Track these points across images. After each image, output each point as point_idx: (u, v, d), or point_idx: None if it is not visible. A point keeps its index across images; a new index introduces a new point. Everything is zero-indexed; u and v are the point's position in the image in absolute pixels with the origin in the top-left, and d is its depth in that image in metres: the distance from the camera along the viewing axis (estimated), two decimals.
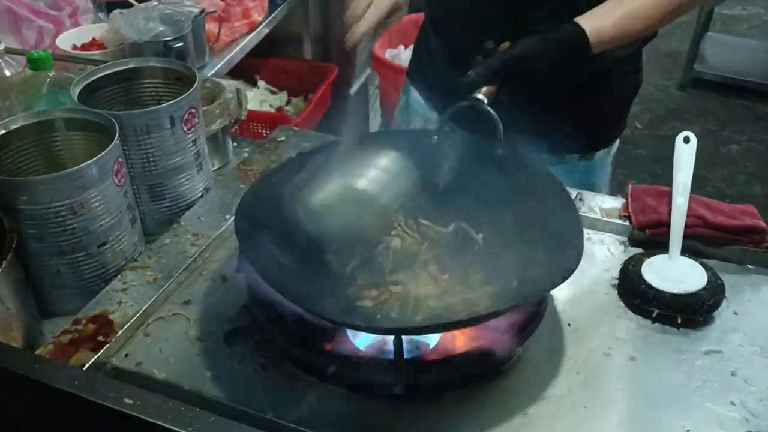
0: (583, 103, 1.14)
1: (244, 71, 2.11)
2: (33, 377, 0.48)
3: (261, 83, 2.34)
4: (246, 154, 1.20)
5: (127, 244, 0.92)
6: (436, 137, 0.97)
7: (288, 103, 2.33)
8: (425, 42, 1.26)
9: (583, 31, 0.93)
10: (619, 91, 1.20)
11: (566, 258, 0.78)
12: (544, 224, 0.86)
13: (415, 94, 1.30)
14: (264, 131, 2.03)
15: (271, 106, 2.28)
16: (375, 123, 2.65)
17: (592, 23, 0.94)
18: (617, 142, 1.26)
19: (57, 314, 0.89)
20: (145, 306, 0.85)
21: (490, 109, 0.89)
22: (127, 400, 0.55)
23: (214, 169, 1.16)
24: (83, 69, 1.35)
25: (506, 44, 0.95)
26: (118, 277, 0.89)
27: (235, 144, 1.26)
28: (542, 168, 0.93)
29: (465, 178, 0.93)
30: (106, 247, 0.88)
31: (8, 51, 1.09)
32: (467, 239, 0.90)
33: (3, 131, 0.88)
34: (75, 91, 0.96)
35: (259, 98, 2.28)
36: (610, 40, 0.96)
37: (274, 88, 2.35)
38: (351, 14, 0.97)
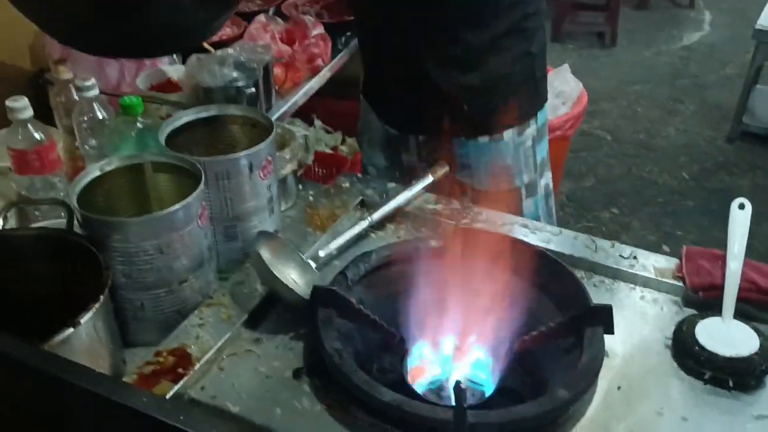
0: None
1: (302, 111, 2.20)
2: (148, 413, 0.53)
3: (317, 123, 2.42)
4: (311, 197, 1.26)
5: (204, 282, 0.98)
6: None
7: (343, 142, 2.40)
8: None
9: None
10: (501, 68, 1.30)
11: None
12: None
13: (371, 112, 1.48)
14: (320, 170, 2.10)
15: (326, 145, 2.36)
16: None
17: None
18: (533, 124, 1.36)
19: (136, 344, 0.96)
20: (220, 342, 0.91)
21: None
22: None
23: (281, 210, 1.22)
24: (159, 108, 1.45)
25: None
26: (195, 312, 0.95)
27: (300, 187, 1.32)
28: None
29: None
30: (186, 284, 0.95)
31: (100, 92, 1.17)
32: None
33: (98, 173, 0.95)
34: (163, 136, 1.03)
35: (315, 137, 2.36)
36: None
37: (329, 128, 2.44)
38: None
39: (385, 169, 1.51)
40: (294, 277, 0.99)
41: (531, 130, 1.37)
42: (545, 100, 1.41)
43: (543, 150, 1.42)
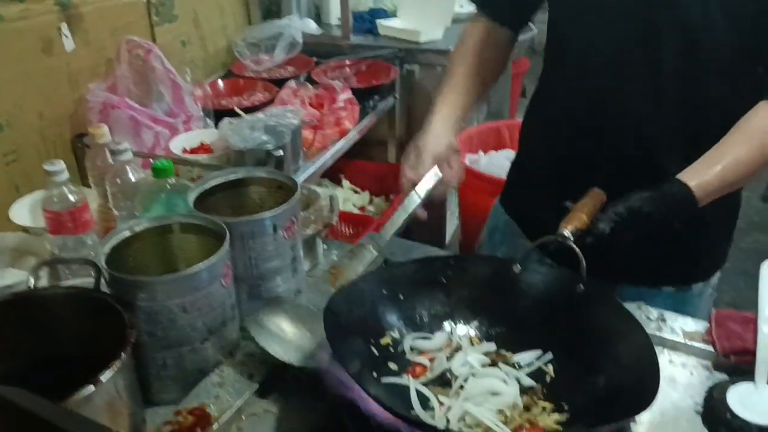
0: (679, 240, 1.08)
1: (330, 171, 2.24)
2: None
3: (345, 183, 2.47)
4: (335, 257, 1.27)
5: (227, 341, 0.99)
6: (519, 266, 1.01)
7: (370, 202, 2.43)
8: (522, 168, 1.33)
9: (689, 188, 0.95)
10: (715, 227, 1.19)
11: (641, 393, 0.79)
12: (617, 358, 0.89)
13: (505, 217, 1.35)
14: (347, 230, 2.13)
15: (354, 205, 2.39)
16: (452, 224, 2.71)
17: (697, 179, 0.96)
18: (717, 273, 1.24)
19: (158, 403, 0.96)
20: (240, 401, 0.91)
21: (574, 245, 0.93)
22: None
23: (305, 270, 1.24)
24: (191, 170, 1.50)
25: (595, 192, 1.00)
26: (216, 371, 0.95)
27: (325, 246, 1.34)
28: (618, 303, 0.96)
29: (542, 309, 0.99)
30: (208, 342, 0.95)
31: (134, 154, 1.22)
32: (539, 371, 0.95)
33: (128, 234, 0.98)
34: (191, 198, 1.06)
35: (343, 197, 2.40)
36: (715, 192, 0.97)
37: (357, 188, 2.47)
38: (403, 171, 1.16)
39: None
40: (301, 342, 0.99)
41: (714, 279, 1.24)
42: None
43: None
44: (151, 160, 1.20)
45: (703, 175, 0.96)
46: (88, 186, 1.32)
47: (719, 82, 1.03)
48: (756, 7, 0.97)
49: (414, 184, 1.13)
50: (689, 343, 1.01)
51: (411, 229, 2.52)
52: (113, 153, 1.17)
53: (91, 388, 0.76)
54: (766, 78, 1.01)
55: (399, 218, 1.14)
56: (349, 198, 2.42)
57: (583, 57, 1.10)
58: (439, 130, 1.18)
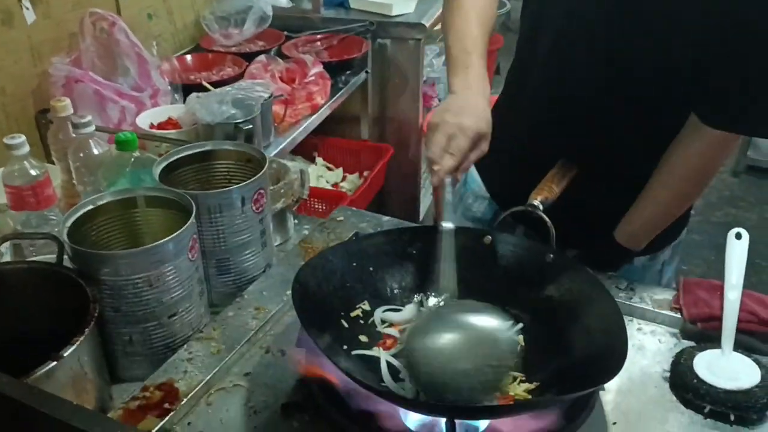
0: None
1: (304, 148, 2.22)
2: None
3: (319, 160, 2.45)
4: (306, 232, 1.26)
5: (195, 316, 0.97)
6: (489, 237, 1.01)
7: (343, 179, 2.42)
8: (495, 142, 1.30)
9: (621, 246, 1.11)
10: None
11: (610, 360, 0.80)
12: (586, 327, 0.89)
13: (473, 172, 1.34)
14: (320, 207, 2.11)
15: (327, 182, 2.37)
16: (426, 200, 2.71)
17: (626, 236, 1.11)
18: (684, 232, 1.26)
19: (125, 379, 0.95)
20: (209, 376, 0.89)
21: (544, 215, 0.93)
22: None
23: (276, 244, 1.22)
24: (158, 146, 1.47)
25: (564, 163, 1.04)
26: (185, 346, 0.94)
27: (296, 221, 1.32)
28: (588, 273, 0.96)
29: (513, 280, 0.99)
30: (175, 317, 0.94)
31: (97, 129, 1.19)
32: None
33: (91, 207, 0.96)
34: (157, 171, 1.04)
35: (317, 174, 2.38)
36: (647, 238, 1.12)
37: (330, 165, 2.45)
38: (430, 157, 0.95)
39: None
40: None
41: (665, 254, 1.24)
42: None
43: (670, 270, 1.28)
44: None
45: (633, 226, 1.11)
46: (53, 163, 1.29)
47: (688, 65, 1.02)
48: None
49: (451, 172, 0.94)
50: (657, 311, 1.02)
51: (385, 205, 2.51)
52: (75, 126, 1.14)
53: (53, 363, 0.75)
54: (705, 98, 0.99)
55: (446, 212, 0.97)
56: (322, 175, 2.40)
57: (555, 35, 1.09)
58: (479, 104, 0.99)
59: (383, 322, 0.98)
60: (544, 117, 1.15)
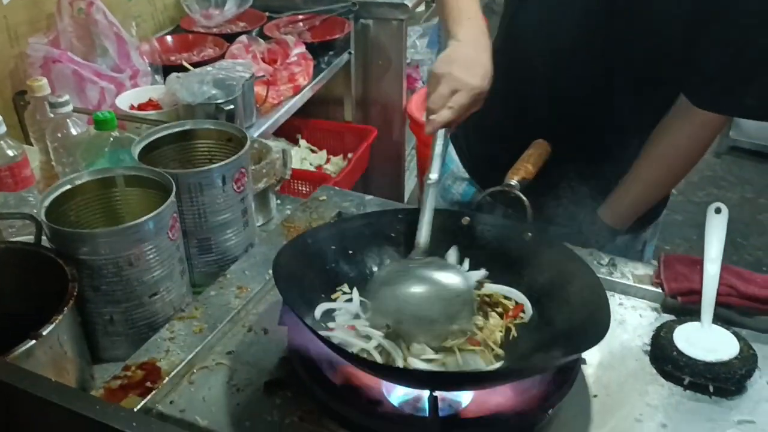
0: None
1: (287, 130, 2.21)
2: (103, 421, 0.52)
3: (302, 142, 2.43)
4: (288, 212, 1.26)
5: (176, 295, 0.97)
6: (467, 218, 1.01)
7: (327, 162, 2.41)
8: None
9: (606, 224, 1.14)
10: None
11: (593, 328, 0.80)
12: (568, 299, 0.90)
13: (452, 153, 1.34)
14: (304, 188, 2.10)
15: (311, 164, 2.36)
16: (411, 182, 2.71)
17: (611, 216, 1.14)
18: (664, 211, 1.28)
19: (106, 360, 0.94)
20: (191, 355, 0.89)
21: (521, 194, 0.93)
22: None
23: (258, 225, 1.22)
24: (139, 127, 1.45)
25: (540, 143, 1.05)
26: (166, 326, 0.94)
27: (278, 201, 1.32)
28: (567, 249, 0.97)
29: (493, 258, 0.99)
30: (156, 297, 0.93)
31: (75, 110, 1.17)
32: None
33: (69, 186, 0.95)
34: (136, 150, 1.03)
35: (300, 156, 2.36)
36: (631, 218, 1.14)
37: (314, 147, 2.44)
38: (430, 106, 0.95)
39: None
40: None
41: (647, 233, 1.25)
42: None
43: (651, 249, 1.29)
44: None
45: (619, 206, 1.14)
46: (32, 145, 1.27)
47: (678, 45, 1.02)
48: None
49: (444, 126, 0.94)
50: (638, 285, 1.03)
51: (369, 188, 2.51)
52: (53, 106, 1.12)
53: (32, 342, 0.74)
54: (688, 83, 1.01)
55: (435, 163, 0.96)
56: (306, 157, 2.39)
57: (540, 15, 1.09)
58: (485, 62, 0.97)
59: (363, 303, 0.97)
60: (527, 95, 1.15)
